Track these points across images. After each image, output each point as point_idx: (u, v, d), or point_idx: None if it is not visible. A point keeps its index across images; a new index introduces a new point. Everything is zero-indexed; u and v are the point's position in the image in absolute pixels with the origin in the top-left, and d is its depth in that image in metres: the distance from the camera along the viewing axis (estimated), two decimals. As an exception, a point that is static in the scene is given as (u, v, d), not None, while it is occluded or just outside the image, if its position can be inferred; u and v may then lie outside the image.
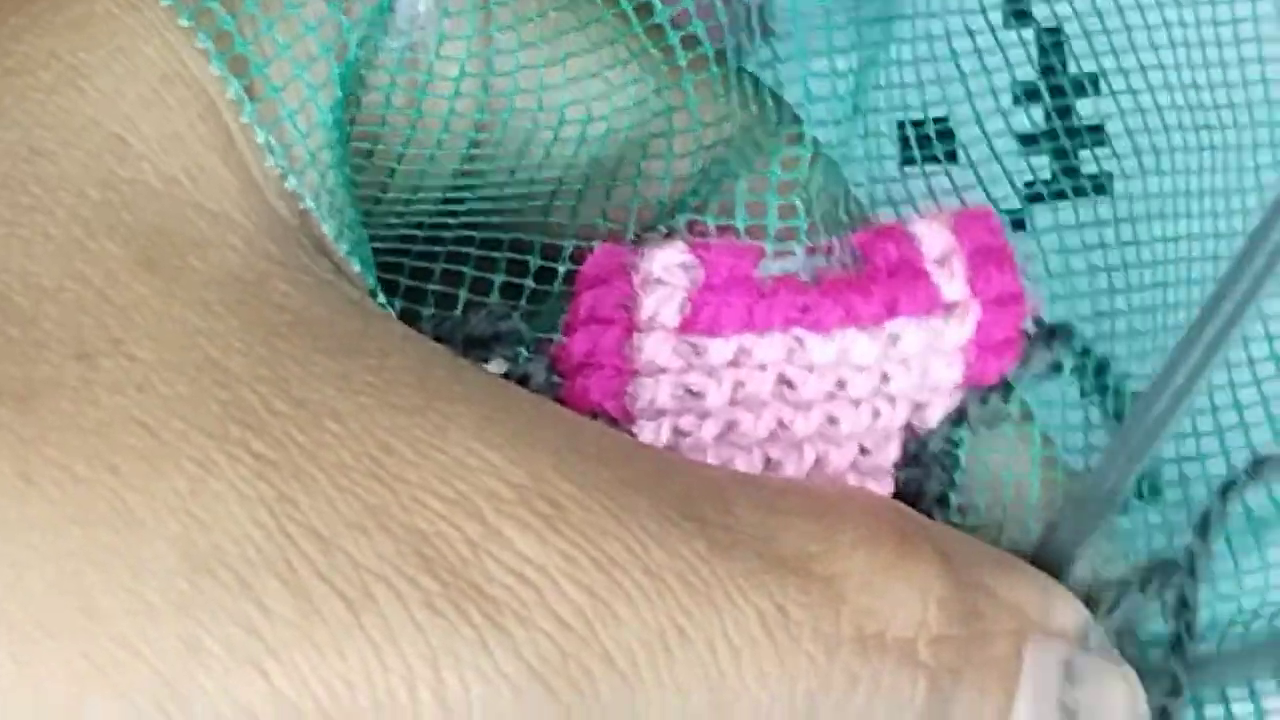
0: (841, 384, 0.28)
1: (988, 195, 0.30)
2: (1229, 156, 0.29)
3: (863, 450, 0.28)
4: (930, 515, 0.28)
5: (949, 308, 0.28)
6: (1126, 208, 0.29)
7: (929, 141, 0.31)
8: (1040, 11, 0.30)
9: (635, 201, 0.30)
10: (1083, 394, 0.29)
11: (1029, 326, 0.28)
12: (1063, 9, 0.29)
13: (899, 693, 0.25)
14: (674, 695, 0.24)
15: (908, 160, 0.31)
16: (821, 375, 0.28)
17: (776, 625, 0.25)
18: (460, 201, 0.29)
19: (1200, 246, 0.29)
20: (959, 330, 0.28)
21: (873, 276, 0.28)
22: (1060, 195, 0.29)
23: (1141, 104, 0.29)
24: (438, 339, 0.27)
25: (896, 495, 0.28)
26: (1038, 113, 0.30)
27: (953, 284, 0.28)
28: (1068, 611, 0.27)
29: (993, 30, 0.30)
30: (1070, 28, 0.30)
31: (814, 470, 0.28)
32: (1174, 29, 0.29)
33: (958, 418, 0.28)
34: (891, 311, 0.28)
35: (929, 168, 0.31)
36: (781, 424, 0.28)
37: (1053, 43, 0.30)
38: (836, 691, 0.25)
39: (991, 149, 0.30)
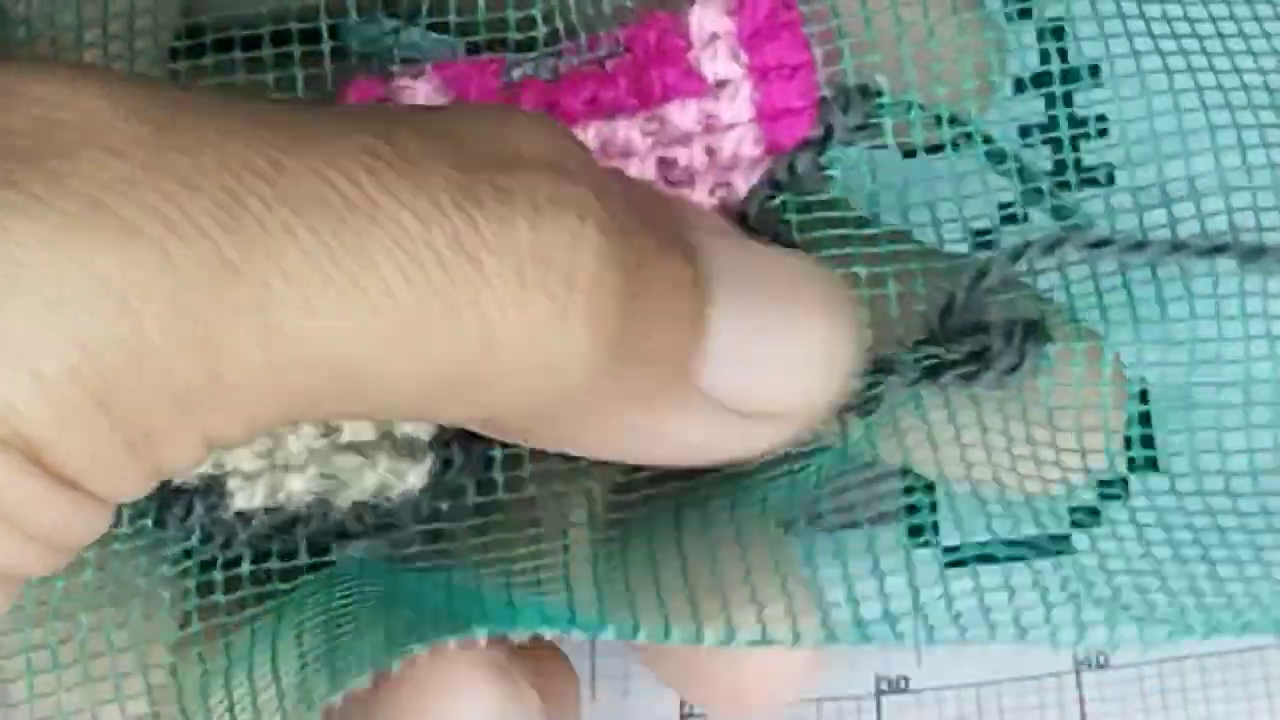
0: (618, 171, 0.29)
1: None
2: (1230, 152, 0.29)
3: None
4: None
5: (720, 85, 0.29)
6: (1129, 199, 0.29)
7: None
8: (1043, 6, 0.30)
9: None
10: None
11: (826, 91, 0.29)
12: (1062, 9, 0.29)
13: (563, 201, 0.24)
14: (294, 221, 0.23)
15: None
16: None
17: (389, 154, 0.24)
18: None
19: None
20: (735, 107, 0.29)
21: (623, 66, 0.29)
22: (1063, 186, 0.29)
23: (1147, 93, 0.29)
24: None
25: None
26: (1038, 104, 0.30)
27: (717, 63, 0.29)
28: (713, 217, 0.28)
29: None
30: (1073, 20, 0.30)
31: None
32: (1177, 23, 0.29)
33: (772, 187, 0.29)
34: (649, 96, 0.29)
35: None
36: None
37: (1054, 33, 0.30)
38: (491, 206, 0.24)
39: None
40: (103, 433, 0.23)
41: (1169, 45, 0.29)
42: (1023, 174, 0.29)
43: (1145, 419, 0.29)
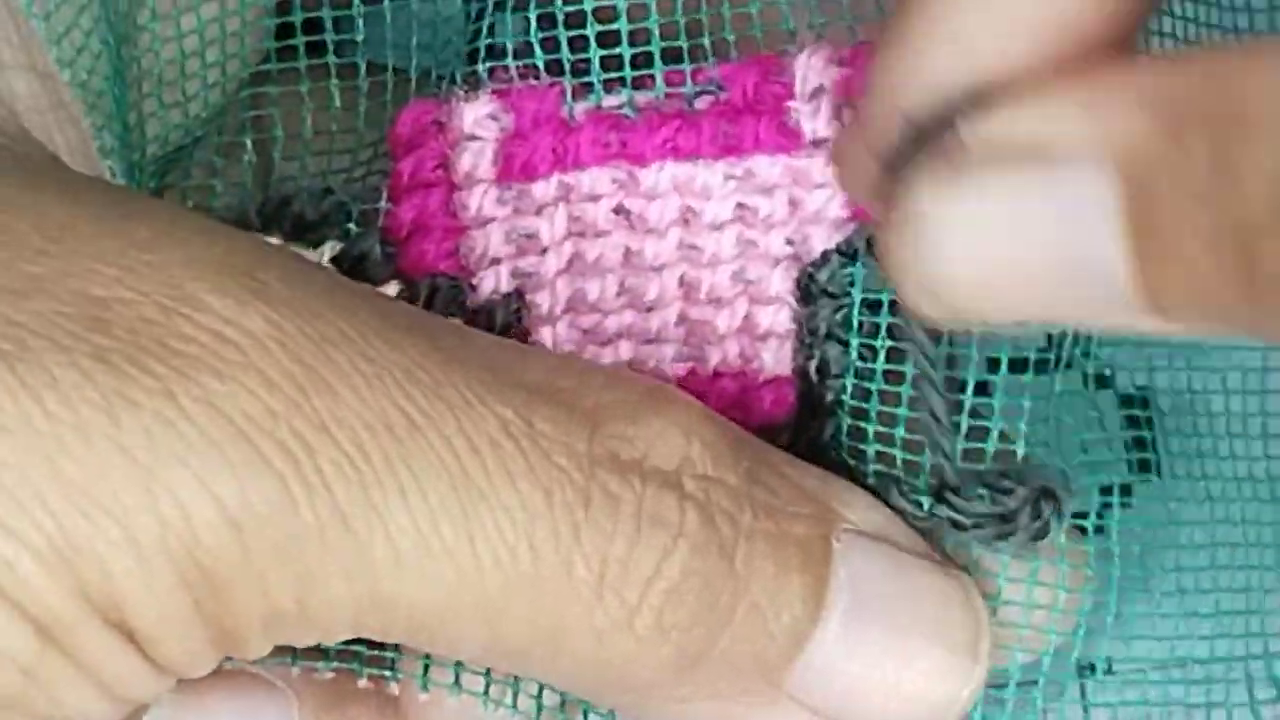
0: (692, 211, 0.29)
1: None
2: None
3: (745, 278, 0.29)
4: (827, 360, 0.28)
5: (816, 144, 0.28)
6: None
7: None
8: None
9: None
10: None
11: None
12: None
13: (665, 518, 0.25)
14: (410, 485, 0.24)
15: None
16: (663, 204, 0.29)
17: (520, 433, 0.25)
18: None
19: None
20: (827, 167, 0.28)
21: (714, 108, 0.28)
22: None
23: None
24: (266, 225, 0.28)
25: (799, 333, 0.28)
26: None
27: (818, 120, 0.28)
28: (871, 511, 0.27)
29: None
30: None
31: (683, 295, 0.29)
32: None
33: (849, 253, 0.29)
34: (736, 146, 0.28)
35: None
36: (630, 251, 0.29)
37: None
38: (597, 509, 0.25)
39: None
40: (193, 629, 0.24)
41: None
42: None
43: (1148, 423, 0.29)
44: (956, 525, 0.27)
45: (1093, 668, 0.30)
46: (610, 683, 0.26)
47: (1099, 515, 0.28)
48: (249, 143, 0.30)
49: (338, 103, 0.30)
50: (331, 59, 0.30)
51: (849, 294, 0.28)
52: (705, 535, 0.25)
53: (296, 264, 0.26)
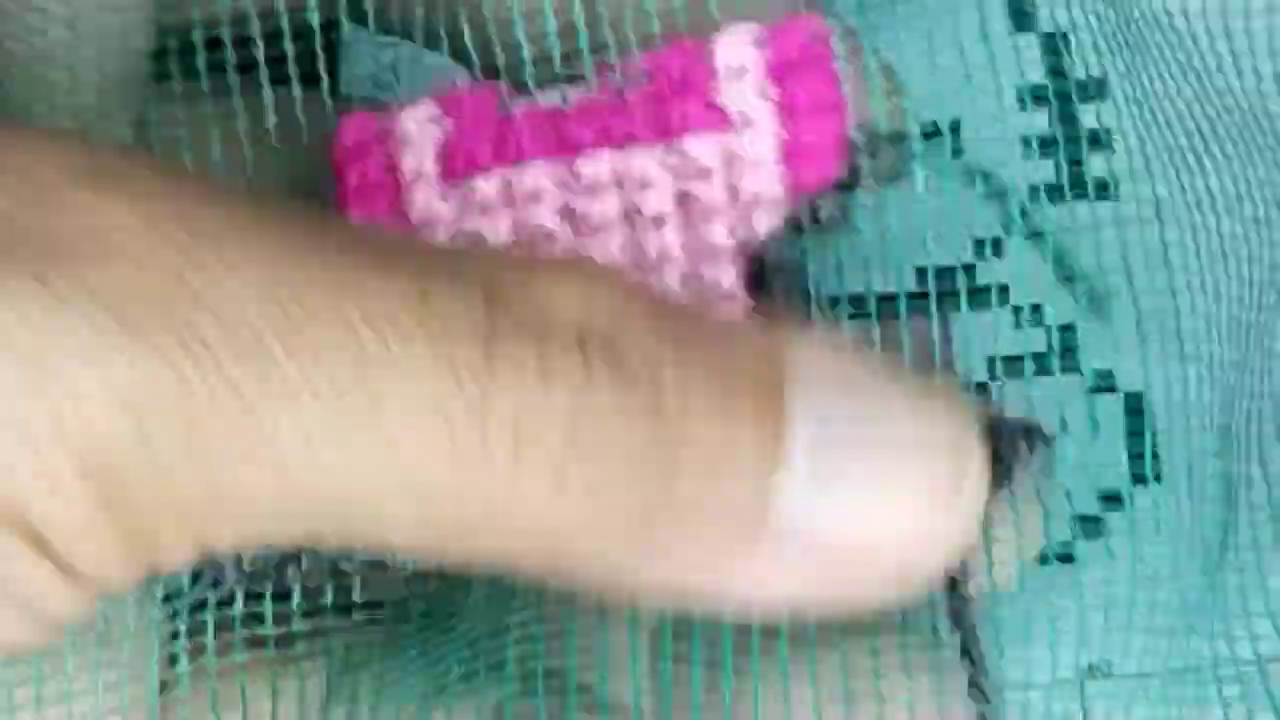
0: (634, 206, 0.28)
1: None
2: (1234, 164, 0.29)
3: (698, 275, 0.28)
4: None
5: (744, 121, 0.28)
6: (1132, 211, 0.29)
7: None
8: (1045, 16, 0.30)
9: None
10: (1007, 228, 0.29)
11: (856, 134, 0.28)
12: (1066, 17, 0.29)
13: (571, 371, 0.24)
14: (308, 362, 0.23)
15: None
16: (604, 199, 0.28)
17: (417, 305, 0.24)
18: None
19: (1207, 247, 0.29)
20: (758, 144, 0.28)
21: (642, 96, 0.28)
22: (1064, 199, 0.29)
23: (1148, 108, 0.29)
24: None
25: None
26: (1042, 117, 0.30)
27: (743, 98, 0.28)
28: (824, 340, 0.26)
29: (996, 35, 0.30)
30: (1076, 32, 0.30)
31: None
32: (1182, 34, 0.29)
33: (794, 230, 0.28)
34: (667, 128, 0.28)
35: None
36: (577, 254, 0.28)
37: (1059, 45, 0.30)
38: (502, 372, 0.24)
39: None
40: (102, 528, 0.23)
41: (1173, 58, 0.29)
42: (1002, 197, 0.29)
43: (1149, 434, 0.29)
44: None
45: (1092, 669, 0.30)
46: (569, 555, 0.25)
47: (1099, 520, 0.29)
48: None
49: (244, 123, 0.30)
50: (234, 78, 0.30)
51: (801, 266, 0.28)
52: (618, 384, 0.24)
53: (169, 166, 0.26)
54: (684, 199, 0.29)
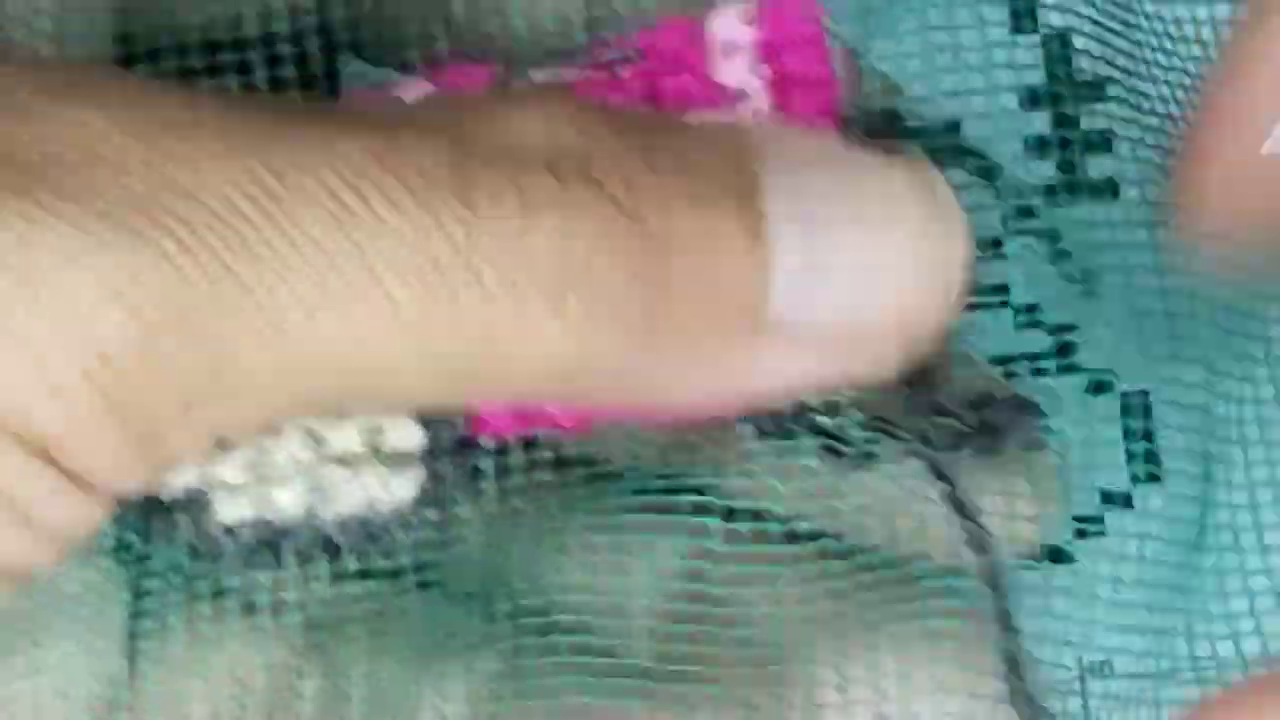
0: None
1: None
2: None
3: None
4: None
5: (736, 96, 0.28)
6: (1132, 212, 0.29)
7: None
8: (1046, 18, 0.31)
9: None
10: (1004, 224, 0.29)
11: (848, 110, 0.28)
12: (1067, 18, 0.30)
13: (550, 198, 0.24)
14: (294, 232, 0.23)
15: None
16: None
17: (389, 158, 0.24)
18: None
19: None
20: (752, 118, 0.28)
21: (637, 73, 0.28)
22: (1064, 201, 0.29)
23: (1149, 110, 0.29)
24: None
25: None
26: (1044, 118, 0.30)
27: (735, 73, 0.28)
28: (802, 132, 0.27)
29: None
30: (1077, 34, 0.30)
31: None
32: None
33: None
34: (663, 105, 0.28)
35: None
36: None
37: (1059, 47, 0.30)
38: (482, 210, 0.24)
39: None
40: (113, 430, 0.23)
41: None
42: (1017, 192, 0.29)
43: (1148, 434, 0.30)
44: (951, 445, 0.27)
45: (1092, 668, 0.30)
46: (581, 378, 0.25)
47: (1099, 519, 0.29)
48: None
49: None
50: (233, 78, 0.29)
51: None
52: (601, 203, 0.24)
53: (143, 79, 0.26)
54: None
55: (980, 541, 0.28)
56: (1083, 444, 0.29)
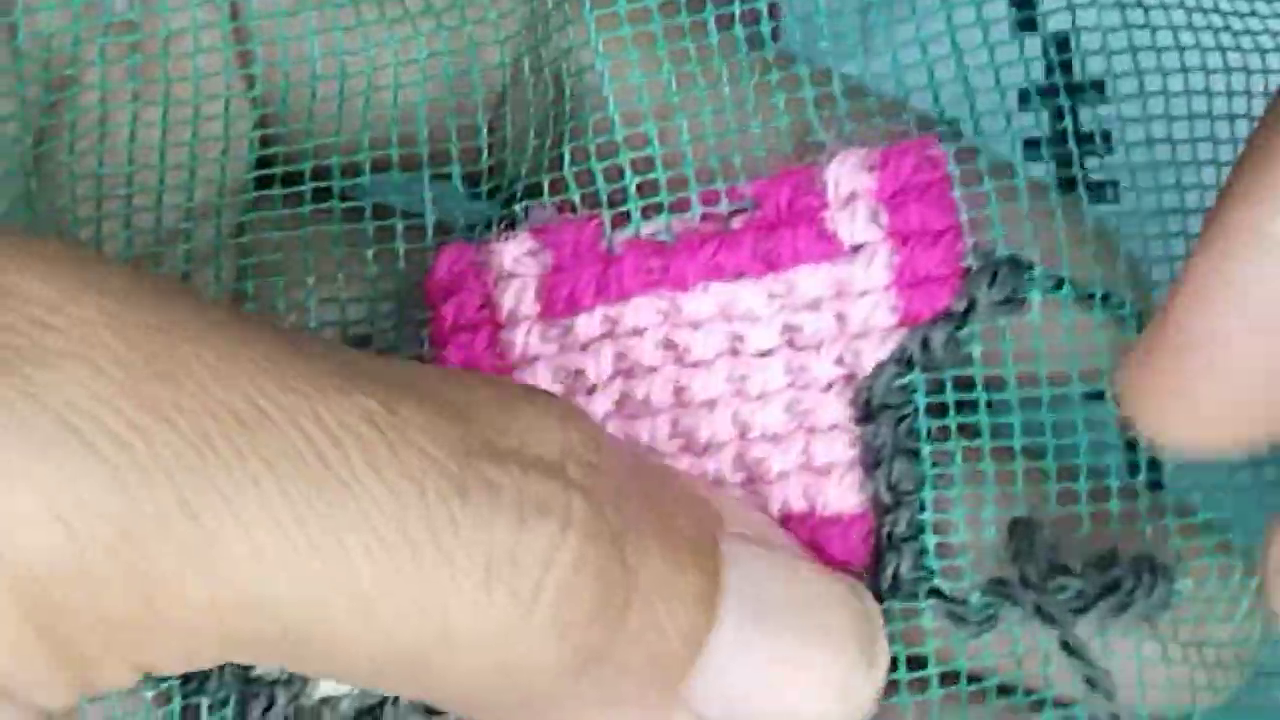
0: (739, 338, 0.28)
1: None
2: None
3: (803, 408, 0.28)
4: (897, 480, 0.27)
5: (856, 250, 0.27)
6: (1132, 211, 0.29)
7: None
8: (1046, 17, 0.31)
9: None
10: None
11: (971, 260, 0.27)
12: (1067, 19, 0.30)
13: (550, 505, 0.24)
14: (264, 474, 0.22)
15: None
16: (709, 333, 0.28)
17: (385, 421, 0.23)
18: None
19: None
20: (870, 272, 0.27)
21: (750, 225, 0.28)
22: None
23: (1147, 111, 0.29)
24: None
25: (863, 456, 0.27)
26: (1043, 118, 0.30)
27: (855, 226, 0.27)
28: (750, 517, 0.27)
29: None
30: (1078, 34, 0.30)
31: (738, 434, 0.28)
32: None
33: (903, 363, 0.28)
34: (776, 260, 0.27)
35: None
36: (680, 387, 0.28)
37: (1059, 48, 0.30)
38: (475, 499, 0.23)
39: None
40: (36, 653, 0.23)
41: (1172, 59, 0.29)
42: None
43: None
44: (1076, 610, 0.27)
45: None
46: (511, 689, 0.24)
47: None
48: (250, 288, 0.29)
49: (341, 247, 0.29)
50: (337, 203, 0.29)
51: (911, 402, 0.27)
52: (595, 524, 0.24)
53: (143, 269, 0.25)
54: (790, 330, 0.28)
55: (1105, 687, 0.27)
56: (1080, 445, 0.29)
